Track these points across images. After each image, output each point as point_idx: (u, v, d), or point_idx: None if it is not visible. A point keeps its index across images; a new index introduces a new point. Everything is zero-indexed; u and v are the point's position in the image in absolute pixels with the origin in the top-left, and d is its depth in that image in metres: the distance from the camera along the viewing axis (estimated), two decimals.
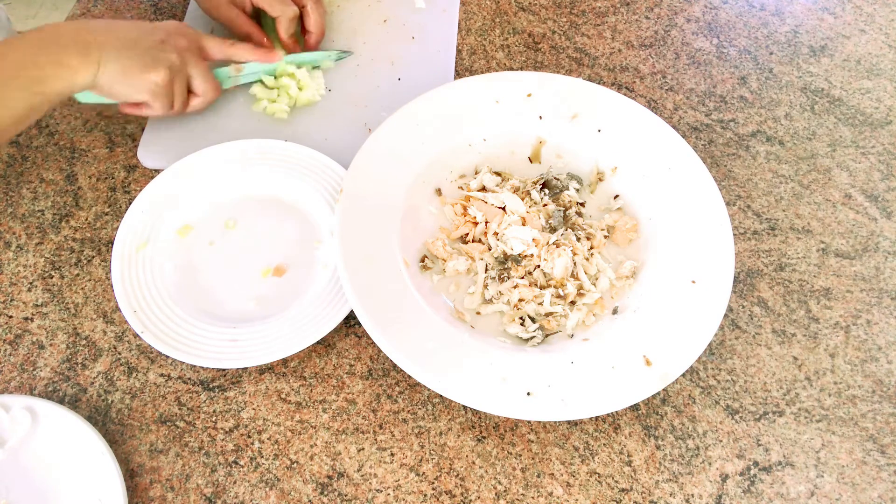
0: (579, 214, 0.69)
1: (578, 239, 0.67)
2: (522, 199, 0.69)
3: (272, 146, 0.71)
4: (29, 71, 0.60)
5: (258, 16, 0.79)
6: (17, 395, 0.60)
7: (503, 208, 0.68)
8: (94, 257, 0.69)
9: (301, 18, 0.78)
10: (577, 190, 0.71)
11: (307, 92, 0.76)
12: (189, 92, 0.70)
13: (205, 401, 0.62)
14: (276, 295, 0.65)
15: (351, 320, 0.66)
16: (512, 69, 0.83)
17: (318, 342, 0.63)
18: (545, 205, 0.69)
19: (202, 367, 0.63)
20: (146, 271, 0.64)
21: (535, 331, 0.62)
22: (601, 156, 0.71)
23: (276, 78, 0.77)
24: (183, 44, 0.68)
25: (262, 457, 0.59)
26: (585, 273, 0.66)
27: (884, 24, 0.90)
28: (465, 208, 0.69)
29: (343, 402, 0.62)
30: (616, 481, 0.59)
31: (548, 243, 0.66)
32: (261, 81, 0.77)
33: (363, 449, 0.60)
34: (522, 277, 0.65)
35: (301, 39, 0.80)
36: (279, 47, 0.78)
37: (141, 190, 0.69)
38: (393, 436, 0.60)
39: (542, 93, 0.72)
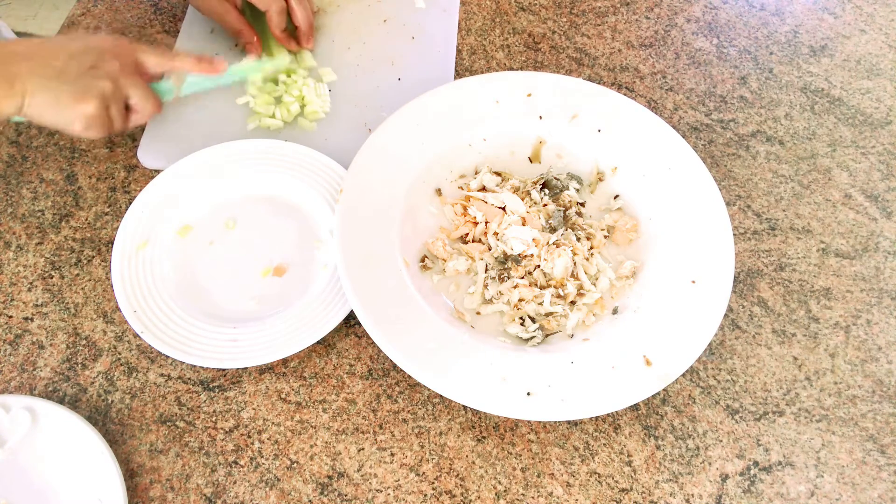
0: (579, 214, 0.69)
1: (578, 239, 0.67)
2: (522, 199, 0.69)
3: (272, 146, 0.71)
4: None
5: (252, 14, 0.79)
6: (17, 395, 0.60)
7: (503, 208, 0.68)
8: (94, 257, 0.69)
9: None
10: (577, 190, 0.71)
11: (311, 106, 0.75)
12: (128, 109, 0.67)
13: (205, 401, 0.62)
14: (276, 295, 0.65)
15: (351, 320, 0.66)
16: (512, 69, 0.83)
17: (318, 342, 0.63)
18: (545, 205, 0.69)
19: (202, 367, 0.63)
20: (146, 271, 0.64)
21: (535, 331, 0.62)
22: (601, 156, 0.71)
23: (276, 83, 0.76)
24: (115, 67, 0.63)
25: (262, 457, 0.59)
26: (585, 273, 0.66)
27: (884, 24, 0.90)
28: (465, 208, 0.69)
29: (343, 402, 0.62)
30: (616, 481, 0.59)
31: (548, 243, 0.66)
32: (260, 89, 0.77)
33: (363, 449, 0.60)
34: (522, 277, 0.65)
35: (295, 36, 0.80)
36: (271, 44, 0.77)
37: (141, 190, 0.69)
38: (393, 436, 0.60)
39: (542, 93, 0.72)
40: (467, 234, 0.68)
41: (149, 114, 0.68)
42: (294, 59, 0.79)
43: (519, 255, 0.65)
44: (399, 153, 0.68)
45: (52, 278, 0.67)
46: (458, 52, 0.84)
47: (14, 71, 0.59)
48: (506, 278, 0.65)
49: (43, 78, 0.60)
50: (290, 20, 0.78)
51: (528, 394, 0.56)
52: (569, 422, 0.61)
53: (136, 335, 0.64)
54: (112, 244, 0.68)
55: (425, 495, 0.58)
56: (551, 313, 0.63)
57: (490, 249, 0.67)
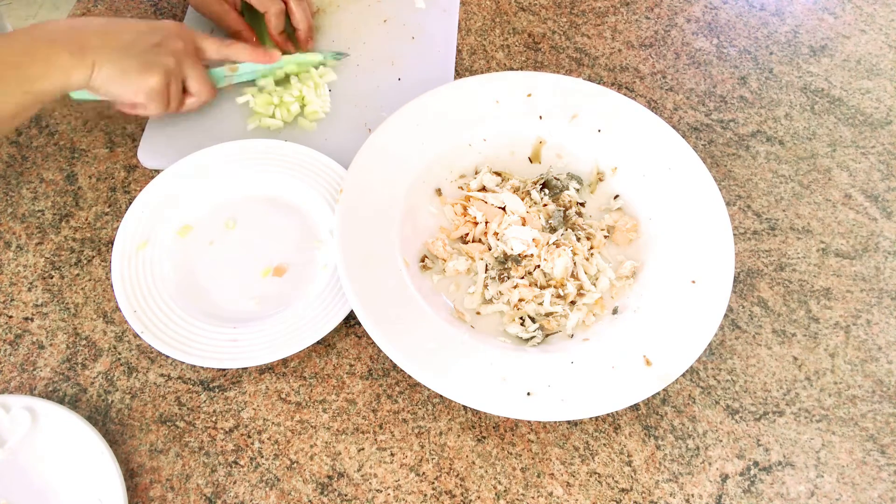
0: (579, 214, 0.69)
1: (578, 239, 0.67)
2: (522, 199, 0.69)
3: (272, 146, 0.71)
4: (19, 70, 0.59)
5: (251, 16, 0.79)
6: (17, 395, 0.60)
7: (503, 208, 0.68)
8: (94, 257, 0.69)
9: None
10: (577, 190, 0.71)
11: (311, 106, 0.75)
12: (184, 92, 0.70)
13: (205, 401, 0.62)
14: (276, 295, 0.65)
15: (351, 320, 0.66)
16: (512, 69, 0.83)
17: (318, 342, 0.63)
18: (545, 205, 0.69)
19: (202, 367, 0.63)
20: (146, 271, 0.64)
21: (535, 331, 0.62)
22: (601, 156, 0.71)
23: (276, 84, 0.76)
24: (179, 46, 0.67)
25: (262, 457, 0.59)
26: (585, 273, 0.66)
27: (884, 24, 0.90)
28: (465, 208, 0.69)
29: (343, 402, 0.62)
30: (616, 481, 0.59)
31: (548, 243, 0.66)
32: (260, 90, 0.77)
33: (363, 449, 0.60)
34: (522, 277, 0.65)
35: (294, 38, 0.80)
36: (269, 45, 0.78)
37: (141, 190, 0.69)
38: (393, 436, 0.60)
39: (542, 93, 0.72)
40: (467, 234, 0.68)
41: (204, 99, 0.71)
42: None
43: (519, 255, 0.65)
44: (399, 153, 0.68)
45: (52, 278, 0.67)
46: (458, 52, 0.84)
47: (85, 42, 0.62)
48: (506, 278, 0.65)
49: (112, 50, 0.63)
50: (290, 22, 0.78)
51: (528, 394, 0.56)
52: (569, 422, 0.61)
53: (136, 335, 0.64)
54: (112, 244, 0.68)
55: (425, 495, 0.58)
56: (551, 313, 0.63)
57: (490, 249, 0.67)
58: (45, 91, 0.61)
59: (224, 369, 0.63)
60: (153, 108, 0.68)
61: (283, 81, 0.77)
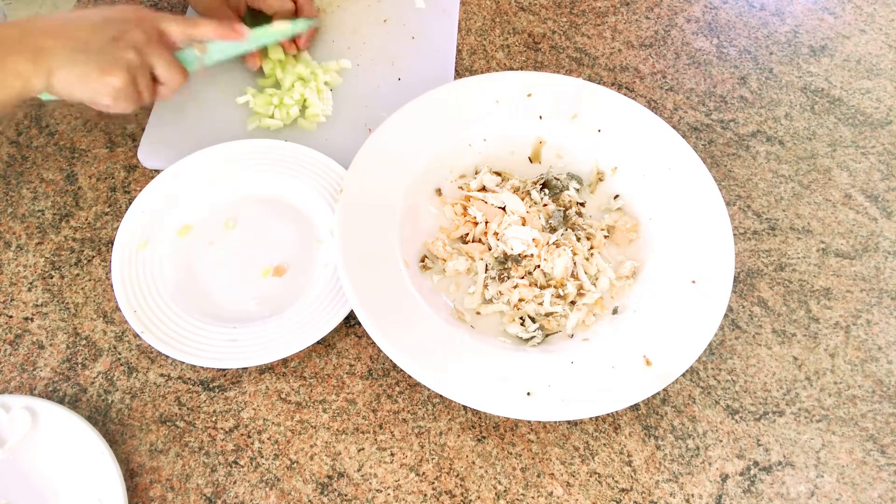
0: (579, 214, 0.69)
1: (578, 239, 0.67)
2: (522, 199, 0.69)
3: (272, 146, 0.71)
4: None
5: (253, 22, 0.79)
6: (17, 395, 0.60)
7: (503, 208, 0.68)
8: (94, 257, 0.69)
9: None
10: (577, 190, 0.71)
11: (313, 109, 0.75)
12: (154, 81, 0.66)
13: (205, 401, 0.62)
14: (276, 295, 0.65)
15: (351, 320, 0.66)
16: (512, 69, 0.83)
17: (318, 342, 0.63)
18: (545, 205, 0.69)
19: (202, 367, 0.63)
20: (146, 271, 0.64)
21: (535, 331, 0.62)
22: (601, 156, 0.71)
23: (278, 88, 0.76)
24: (139, 37, 0.62)
25: (262, 457, 0.59)
26: (585, 273, 0.66)
27: (884, 24, 0.90)
28: (465, 208, 0.69)
29: (343, 402, 0.62)
30: (616, 481, 0.59)
31: (548, 243, 0.66)
32: (261, 90, 0.76)
33: (363, 449, 0.60)
34: (522, 277, 0.65)
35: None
36: (269, 49, 0.77)
37: (141, 190, 0.69)
38: (393, 436, 0.60)
39: (542, 93, 0.72)
40: (467, 234, 0.68)
41: (176, 85, 0.66)
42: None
43: (519, 255, 0.65)
44: (399, 153, 0.68)
45: (52, 278, 0.67)
46: (458, 52, 0.84)
47: (39, 46, 0.58)
48: (506, 278, 0.65)
49: (68, 52, 0.59)
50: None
51: (528, 394, 0.56)
52: (569, 422, 0.61)
53: (136, 335, 0.64)
54: (112, 244, 0.68)
55: (425, 495, 0.58)
56: (551, 313, 0.63)
57: (490, 249, 0.67)
58: (4, 99, 0.58)
59: (224, 369, 0.63)
60: (123, 106, 0.64)
61: (289, 89, 0.76)
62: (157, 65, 0.64)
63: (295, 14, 0.78)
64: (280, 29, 0.74)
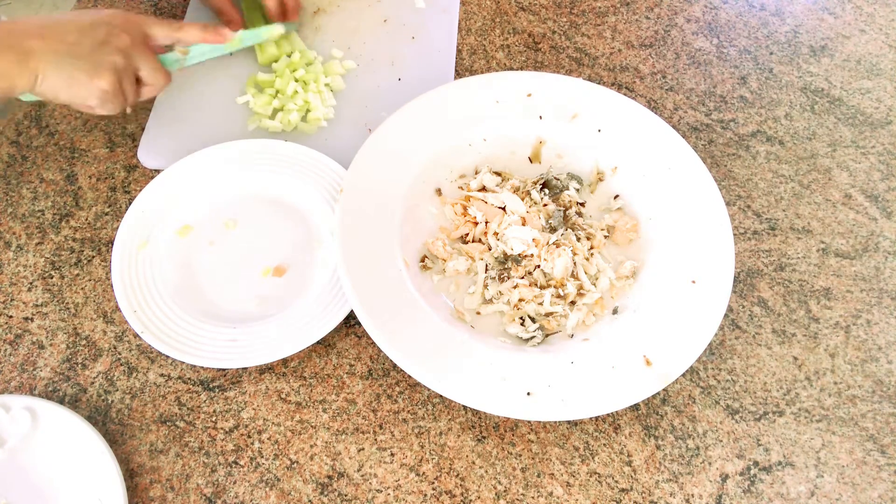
0: (579, 214, 0.69)
1: (578, 239, 0.67)
2: (522, 199, 0.69)
3: (272, 146, 0.71)
4: None
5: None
6: (17, 395, 0.60)
7: (503, 208, 0.68)
8: (94, 257, 0.69)
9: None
10: (577, 190, 0.71)
11: (315, 113, 0.75)
12: (138, 82, 0.67)
13: (205, 401, 0.62)
14: (276, 295, 0.65)
15: (351, 320, 0.66)
16: (512, 69, 0.83)
17: (318, 342, 0.63)
18: (545, 205, 0.69)
19: (202, 367, 0.63)
20: (146, 271, 0.64)
21: (535, 331, 0.62)
22: (601, 156, 0.71)
23: (279, 93, 0.76)
24: (126, 40, 0.63)
25: (262, 457, 0.59)
26: (585, 273, 0.66)
27: (884, 24, 0.90)
28: (465, 208, 0.69)
29: (343, 402, 0.62)
30: (616, 481, 0.59)
31: (548, 243, 0.66)
32: (261, 91, 0.76)
33: (363, 449, 0.60)
34: (522, 277, 0.65)
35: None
36: (255, 24, 0.77)
37: (141, 190, 0.69)
38: (393, 436, 0.60)
39: (542, 93, 0.72)
40: (467, 234, 0.68)
41: (160, 86, 0.68)
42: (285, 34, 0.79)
43: (519, 255, 0.65)
44: (399, 153, 0.68)
45: (52, 278, 0.67)
46: (458, 52, 0.84)
47: (26, 47, 0.59)
48: (506, 278, 0.65)
49: (56, 54, 0.60)
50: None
51: (528, 394, 0.56)
52: (569, 422, 0.61)
53: (136, 335, 0.64)
54: (112, 244, 0.68)
55: (425, 495, 0.58)
56: (551, 313, 0.63)
57: (490, 249, 0.67)
58: None
59: (224, 369, 0.63)
60: (109, 109, 0.65)
61: (292, 95, 0.76)
62: (143, 67, 0.65)
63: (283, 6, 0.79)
64: (263, 32, 0.76)
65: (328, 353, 0.64)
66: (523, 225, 0.67)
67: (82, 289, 0.67)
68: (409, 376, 0.60)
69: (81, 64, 0.61)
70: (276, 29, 0.76)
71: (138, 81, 0.67)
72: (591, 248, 0.67)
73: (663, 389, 0.62)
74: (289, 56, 0.79)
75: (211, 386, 0.62)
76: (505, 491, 0.58)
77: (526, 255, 0.65)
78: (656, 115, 0.72)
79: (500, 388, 0.56)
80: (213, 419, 0.61)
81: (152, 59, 0.66)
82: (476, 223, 0.68)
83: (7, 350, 0.64)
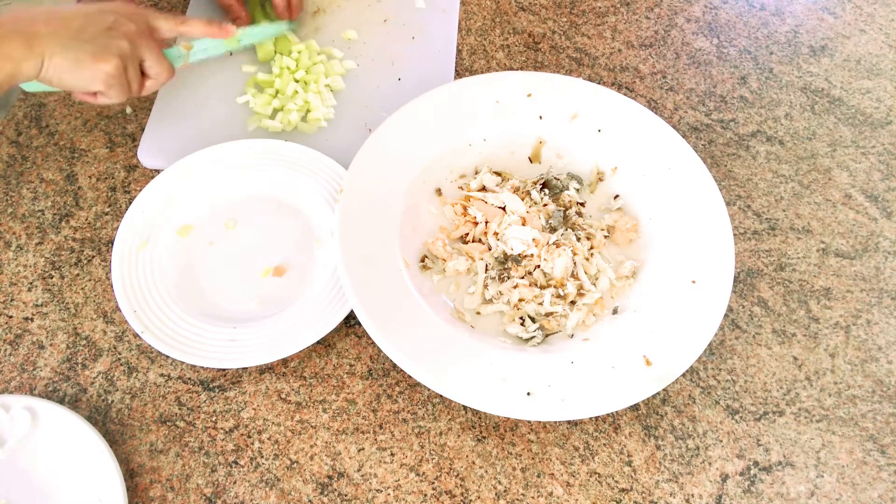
0: (579, 214, 0.69)
1: (578, 239, 0.67)
2: (522, 199, 0.69)
3: (272, 146, 0.71)
4: None
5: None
6: (17, 395, 0.60)
7: (503, 208, 0.68)
8: (94, 257, 0.69)
9: None
10: (577, 190, 0.71)
11: (315, 113, 0.75)
12: (142, 74, 0.67)
13: (205, 401, 0.62)
14: (276, 295, 0.65)
15: (351, 320, 0.66)
16: (512, 69, 0.83)
17: (318, 342, 0.63)
18: (545, 205, 0.69)
19: (202, 367, 0.63)
20: (146, 271, 0.64)
21: (535, 331, 0.62)
22: (601, 156, 0.71)
23: (279, 93, 0.76)
24: (132, 28, 0.64)
25: (262, 457, 0.59)
26: (585, 273, 0.66)
27: (884, 24, 0.90)
28: (465, 208, 0.69)
29: (343, 402, 0.62)
30: (616, 481, 0.59)
31: (548, 243, 0.66)
32: (261, 91, 0.77)
33: (363, 449, 0.60)
34: (522, 277, 0.65)
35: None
36: (259, 17, 0.77)
37: (141, 190, 0.69)
38: (393, 436, 0.60)
39: (542, 93, 0.72)
40: (467, 234, 0.68)
41: (163, 80, 0.68)
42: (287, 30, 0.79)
43: (519, 255, 0.65)
44: (399, 153, 0.68)
45: (52, 278, 0.67)
46: (458, 52, 0.84)
47: (33, 32, 0.59)
48: (506, 278, 0.65)
49: (62, 38, 0.60)
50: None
51: (528, 394, 0.56)
52: (569, 422, 0.61)
53: (136, 335, 0.64)
54: (112, 244, 0.68)
55: (425, 495, 0.58)
56: (551, 313, 0.63)
57: (490, 249, 0.67)
58: None
59: (224, 369, 0.63)
60: (114, 95, 0.64)
61: (292, 95, 0.76)
62: (147, 58, 0.65)
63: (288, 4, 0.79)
64: (266, 30, 0.76)
65: (328, 353, 0.64)
66: (523, 225, 0.67)
67: (82, 289, 0.67)
68: (409, 376, 0.60)
69: (87, 47, 0.61)
70: (280, 28, 0.76)
71: (142, 74, 0.67)
72: (591, 248, 0.67)
73: (663, 389, 0.62)
74: (298, 53, 0.79)
75: (211, 386, 0.62)
76: (505, 491, 0.58)
77: (526, 255, 0.65)
78: (656, 115, 0.72)
79: (500, 388, 0.56)
80: (213, 419, 0.61)
81: (157, 51, 0.66)
82: (476, 223, 0.68)
83: (7, 350, 0.64)
